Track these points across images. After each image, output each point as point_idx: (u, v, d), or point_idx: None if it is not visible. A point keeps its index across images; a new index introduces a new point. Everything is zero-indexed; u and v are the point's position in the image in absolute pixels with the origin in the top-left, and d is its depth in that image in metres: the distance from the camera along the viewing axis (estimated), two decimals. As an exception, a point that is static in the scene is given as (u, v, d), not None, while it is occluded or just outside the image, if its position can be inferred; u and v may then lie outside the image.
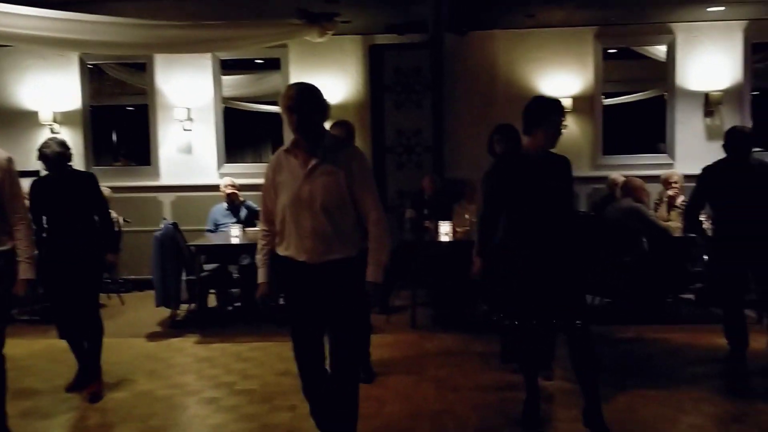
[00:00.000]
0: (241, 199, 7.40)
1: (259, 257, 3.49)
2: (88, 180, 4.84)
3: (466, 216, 6.79)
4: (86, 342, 4.81)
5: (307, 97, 3.28)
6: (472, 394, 4.58)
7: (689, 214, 4.93)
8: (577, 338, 3.80)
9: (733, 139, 4.67)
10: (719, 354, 4.79)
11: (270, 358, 5.44)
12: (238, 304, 7.17)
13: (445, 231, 6.28)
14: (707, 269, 6.77)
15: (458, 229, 6.45)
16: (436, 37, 7.97)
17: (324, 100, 3.35)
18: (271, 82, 8.95)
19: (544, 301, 3.82)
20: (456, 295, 6.67)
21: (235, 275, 6.92)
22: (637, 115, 9.61)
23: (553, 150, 3.89)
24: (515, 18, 7.86)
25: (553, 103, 3.88)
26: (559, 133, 3.82)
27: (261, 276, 3.48)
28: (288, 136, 8.36)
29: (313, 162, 3.28)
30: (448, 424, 4.11)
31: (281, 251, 3.39)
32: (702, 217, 4.99)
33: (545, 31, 8.27)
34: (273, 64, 8.66)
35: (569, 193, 3.99)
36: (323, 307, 3.38)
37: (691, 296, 6.94)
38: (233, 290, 7.18)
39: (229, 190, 7.34)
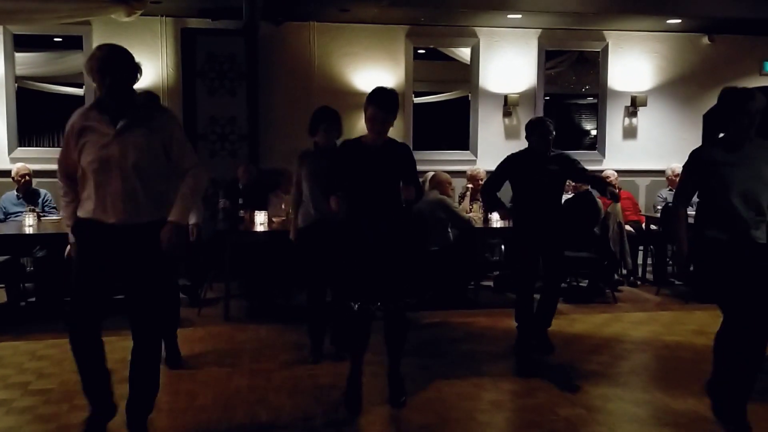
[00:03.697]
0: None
1: (66, 214, 3.33)
2: None
3: (282, 206, 6.79)
4: None
5: (119, 58, 3.17)
6: (286, 383, 4.59)
7: (486, 193, 5.28)
8: (396, 320, 4.05)
9: (537, 129, 4.99)
10: (514, 335, 5.19)
11: (69, 355, 4.94)
12: (33, 299, 6.62)
13: (260, 221, 6.24)
14: (504, 258, 7.31)
15: (274, 219, 6.43)
16: (250, 25, 7.86)
17: (136, 63, 3.25)
18: (71, 62, 8.32)
19: (372, 284, 3.92)
20: (270, 285, 6.65)
21: (29, 268, 6.40)
22: (445, 113, 10.11)
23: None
24: (330, 11, 7.97)
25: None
26: (372, 126, 3.90)
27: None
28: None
29: (123, 122, 3.18)
30: (262, 413, 4.08)
31: (84, 213, 3.25)
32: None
33: (360, 26, 8.46)
34: (74, 43, 8.08)
35: (399, 180, 3.99)
36: (121, 273, 3.28)
37: (489, 283, 7.49)
38: (26, 284, 6.63)
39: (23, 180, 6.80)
